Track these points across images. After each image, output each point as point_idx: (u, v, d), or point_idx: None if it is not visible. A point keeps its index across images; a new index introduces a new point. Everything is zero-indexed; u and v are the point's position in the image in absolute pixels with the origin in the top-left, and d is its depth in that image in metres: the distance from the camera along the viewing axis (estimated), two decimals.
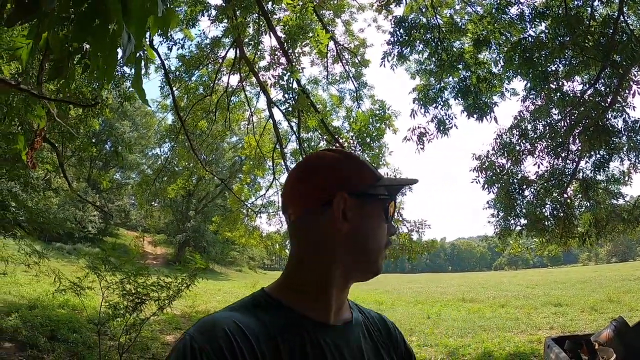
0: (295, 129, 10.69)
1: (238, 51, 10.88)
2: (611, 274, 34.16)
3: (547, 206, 8.66)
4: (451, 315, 13.59)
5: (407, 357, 0.98)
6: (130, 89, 10.73)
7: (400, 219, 12.33)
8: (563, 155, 8.24)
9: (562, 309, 13.84)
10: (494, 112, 7.76)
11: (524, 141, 8.45)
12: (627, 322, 3.57)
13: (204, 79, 12.70)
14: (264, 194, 14.91)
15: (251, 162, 14.73)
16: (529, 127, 8.54)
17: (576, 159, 8.25)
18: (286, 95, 9.12)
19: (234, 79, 18.41)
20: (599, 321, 10.48)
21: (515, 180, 8.77)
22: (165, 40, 10.16)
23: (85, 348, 6.53)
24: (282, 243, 16.45)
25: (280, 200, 0.96)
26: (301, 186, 0.88)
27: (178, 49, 10.75)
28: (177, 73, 11.77)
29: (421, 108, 8.33)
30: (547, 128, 8.13)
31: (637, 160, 8.37)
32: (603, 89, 7.04)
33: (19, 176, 7.38)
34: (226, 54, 11.63)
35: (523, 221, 8.94)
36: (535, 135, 8.27)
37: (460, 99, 8.04)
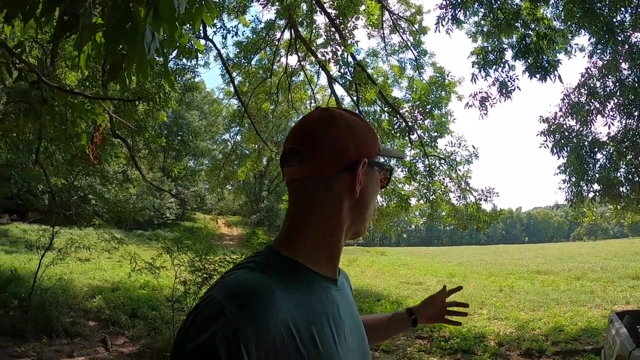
0: (355, 102, 10.68)
1: (293, 32, 10.98)
2: None
3: (621, 170, 7.99)
4: (524, 287, 13.07)
5: None
6: (191, 80, 11.28)
7: (468, 188, 11.99)
8: (636, 114, 7.51)
9: None
10: (557, 71, 7.19)
11: (592, 100, 7.81)
12: None
13: (263, 62, 12.95)
14: None
15: None
16: (598, 84, 7.86)
17: None
18: (342, 70, 9.11)
19: (293, 60, 18.61)
20: None
21: (585, 143, 8.17)
22: (219, 29, 10.50)
23: (163, 323, 7.14)
24: None
25: (287, 146, 0.90)
26: (327, 146, 0.86)
27: (232, 36, 11.05)
28: (237, 59, 12.13)
29: (481, 71, 7.92)
30: (617, 85, 7.43)
31: None
32: None
33: (95, 171, 8.11)
34: (281, 35, 11.74)
35: (596, 187, 8.35)
36: (605, 93, 7.59)
37: (520, 58, 7.55)
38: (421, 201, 13.23)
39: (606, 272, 16.48)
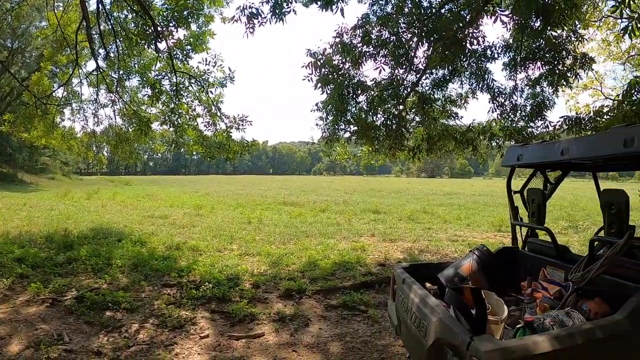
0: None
1: None
2: (422, 187, 39.88)
3: (379, 115, 8.47)
4: (273, 219, 13.41)
5: None
6: None
7: (218, 114, 11.19)
8: (405, 66, 7.93)
9: (381, 216, 14.92)
10: (343, 2, 6.75)
11: (366, 45, 7.84)
12: (490, 251, 3.23)
13: None
14: (66, 83, 11.79)
15: (54, 46, 11.40)
16: (374, 31, 7.91)
17: (418, 74, 8.09)
18: None
19: None
20: (417, 230, 11.52)
21: (350, 84, 8.24)
22: None
23: None
24: (88, 143, 13.86)
25: None
26: None
27: None
28: None
29: None
30: (394, 36, 7.64)
31: (477, 86, 8.62)
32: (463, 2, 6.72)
33: None
34: None
35: (353, 128, 8.65)
36: (379, 43, 7.72)
37: None
38: (165, 126, 11.96)
39: (348, 205, 18.81)
